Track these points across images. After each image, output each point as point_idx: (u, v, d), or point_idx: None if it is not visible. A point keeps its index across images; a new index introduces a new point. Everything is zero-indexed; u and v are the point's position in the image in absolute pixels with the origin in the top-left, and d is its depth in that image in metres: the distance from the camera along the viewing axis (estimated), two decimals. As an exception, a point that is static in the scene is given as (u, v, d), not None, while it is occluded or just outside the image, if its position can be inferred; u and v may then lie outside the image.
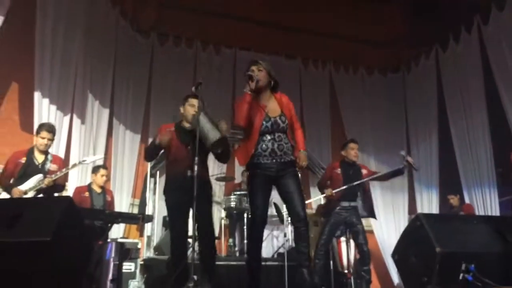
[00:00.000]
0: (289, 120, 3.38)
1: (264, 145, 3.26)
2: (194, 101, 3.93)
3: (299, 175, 3.49)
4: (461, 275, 3.19)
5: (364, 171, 5.26)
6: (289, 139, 3.36)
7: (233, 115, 3.35)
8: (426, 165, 8.18)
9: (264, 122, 3.27)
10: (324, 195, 5.10)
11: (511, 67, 6.57)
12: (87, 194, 5.32)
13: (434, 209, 7.86)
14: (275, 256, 6.63)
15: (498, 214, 6.67)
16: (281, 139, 3.30)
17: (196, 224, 3.63)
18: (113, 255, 4.05)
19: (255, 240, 3.37)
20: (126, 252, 4.87)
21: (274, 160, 3.25)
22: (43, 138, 4.53)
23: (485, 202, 6.89)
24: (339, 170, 5.12)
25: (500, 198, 6.73)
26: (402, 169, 5.01)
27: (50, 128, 4.60)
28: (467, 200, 7.16)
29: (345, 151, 5.28)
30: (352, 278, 5.70)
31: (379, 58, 9.03)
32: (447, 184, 7.64)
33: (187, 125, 3.99)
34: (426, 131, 8.31)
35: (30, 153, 4.54)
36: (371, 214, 5.20)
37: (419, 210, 8.12)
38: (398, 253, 3.60)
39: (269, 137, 3.27)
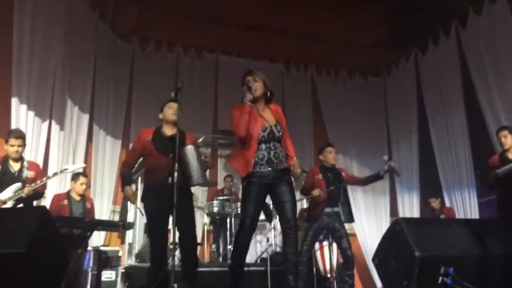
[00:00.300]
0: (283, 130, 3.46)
1: (260, 154, 3.31)
2: (173, 104, 3.88)
3: (293, 183, 3.54)
4: (440, 278, 3.22)
5: (343, 174, 5.28)
6: (283, 147, 3.43)
7: (232, 124, 3.37)
8: (407, 167, 8.28)
9: (261, 132, 3.33)
10: (312, 195, 5.04)
11: (489, 70, 6.68)
12: (65, 202, 5.21)
13: (416, 211, 7.94)
14: (258, 261, 6.61)
15: (477, 215, 6.76)
16: (276, 147, 3.37)
17: (178, 232, 3.59)
18: (91, 264, 3.98)
19: (241, 247, 3.39)
20: (105, 260, 4.79)
21: (270, 168, 3.31)
22: (12, 145, 4.40)
23: (465, 203, 6.98)
24: (320, 176, 5.12)
25: (479, 199, 6.82)
26: (381, 174, 5.01)
27: (17, 134, 4.47)
28: (446, 201, 7.24)
29: (323, 155, 5.28)
30: (335, 282, 5.71)
31: (360, 61, 9.08)
32: (427, 186, 7.73)
33: (167, 131, 3.93)
34: (406, 133, 8.40)
35: (4, 161, 4.43)
36: (351, 218, 5.21)
37: (400, 213, 8.20)
38: (378, 257, 3.62)
39: (264, 146, 3.34)
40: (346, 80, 9.18)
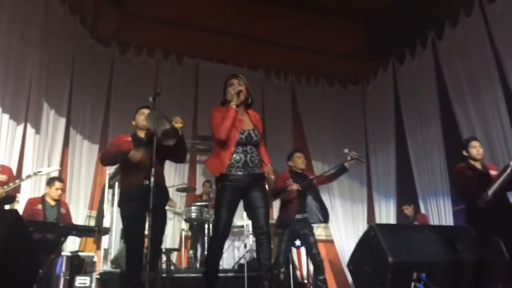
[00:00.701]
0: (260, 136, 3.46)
1: (237, 156, 3.29)
2: (144, 110, 3.93)
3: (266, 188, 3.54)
4: (413, 284, 3.28)
5: (311, 177, 5.28)
6: (258, 153, 3.42)
7: (211, 126, 3.35)
8: (384, 175, 8.40)
9: (240, 134, 3.31)
10: (289, 190, 5.00)
11: (464, 81, 6.85)
12: (39, 206, 5.11)
13: (392, 218, 8.04)
14: (236, 267, 6.59)
15: (452, 222, 6.88)
16: (252, 151, 3.35)
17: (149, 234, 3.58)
18: (64, 269, 3.91)
19: (215, 253, 3.36)
20: (79, 266, 4.71)
21: (246, 172, 3.28)
22: None
23: (440, 211, 7.11)
24: (291, 181, 5.12)
25: (453, 207, 6.95)
26: (345, 165, 5.02)
27: None
28: (422, 209, 7.36)
29: (292, 161, 5.28)
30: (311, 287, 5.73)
31: (339, 70, 9.22)
32: (404, 194, 7.85)
33: (142, 135, 3.94)
34: (384, 142, 8.52)
35: (-24, 165, 4.34)
36: (327, 218, 5.19)
37: (377, 219, 8.30)
38: (353, 263, 3.66)
39: (241, 149, 3.32)
40: (326, 88, 9.29)
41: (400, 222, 7.35)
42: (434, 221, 7.12)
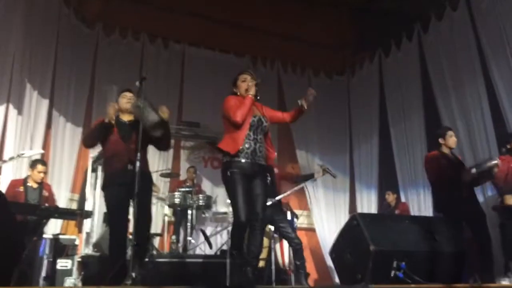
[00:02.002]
0: (275, 118, 3.74)
1: (247, 143, 3.44)
2: (126, 93, 3.93)
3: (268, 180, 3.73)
4: (393, 272, 3.36)
5: (275, 170, 5.32)
6: (266, 144, 3.61)
7: (226, 111, 3.50)
8: (366, 165, 8.50)
9: (252, 117, 3.51)
10: None
11: (447, 74, 6.95)
12: (21, 188, 5.07)
13: (373, 207, 8.16)
14: (218, 253, 6.63)
15: (431, 213, 7.02)
16: (262, 141, 3.54)
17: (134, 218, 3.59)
18: (47, 251, 3.89)
19: (238, 241, 3.43)
20: (61, 248, 4.69)
21: (252, 160, 3.43)
22: None
23: (420, 202, 7.24)
24: None
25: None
26: (315, 176, 5.19)
27: None
28: (403, 199, 7.49)
29: None
30: (292, 274, 5.81)
31: (325, 60, 9.25)
32: (385, 184, 7.97)
33: (124, 118, 3.91)
34: (367, 132, 8.60)
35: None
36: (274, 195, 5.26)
37: (359, 209, 8.42)
38: (335, 252, 3.73)
39: (252, 136, 3.49)
40: (312, 78, 9.30)
41: (382, 211, 7.47)
42: (414, 211, 7.25)
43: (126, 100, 3.89)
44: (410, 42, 7.74)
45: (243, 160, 3.40)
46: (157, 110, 3.68)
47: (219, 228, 7.32)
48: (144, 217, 3.73)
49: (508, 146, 4.86)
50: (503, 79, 6.05)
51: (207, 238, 6.01)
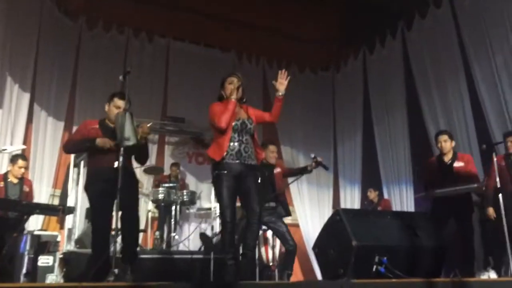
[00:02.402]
0: (261, 119, 3.71)
1: (232, 145, 3.49)
2: (120, 103, 3.80)
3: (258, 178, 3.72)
4: (375, 267, 3.40)
5: (277, 169, 5.32)
6: (254, 144, 3.62)
7: (211, 118, 3.56)
8: (350, 161, 8.57)
9: (235, 121, 3.53)
10: None
11: (430, 72, 7.04)
12: (1, 184, 4.98)
13: (356, 203, 8.24)
14: (202, 249, 6.62)
15: (413, 209, 7.12)
16: (247, 142, 3.56)
17: (121, 217, 3.56)
18: (28, 248, 3.84)
19: (230, 239, 3.44)
20: (43, 245, 4.63)
21: (238, 161, 3.47)
22: None
23: (402, 198, 7.34)
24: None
25: (415, 194, 7.18)
26: (308, 168, 5.12)
27: None
28: (385, 195, 7.58)
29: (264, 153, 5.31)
30: (276, 270, 5.84)
31: (310, 56, 9.26)
32: (368, 180, 8.05)
33: (110, 124, 3.85)
34: (351, 128, 8.67)
35: None
36: (288, 213, 5.31)
37: (342, 204, 8.49)
38: (318, 247, 3.76)
39: (237, 138, 3.52)
40: (297, 74, 9.29)
41: (364, 207, 7.55)
42: (396, 207, 7.35)
43: (116, 112, 3.76)
44: (394, 40, 7.81)
45: (229, 161, 3.45)
46: (135, 129, 3.63)
47: (203, 225, 7.33)
48: (132, 222, 3.72)
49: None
50: (485, 77, 6.16)
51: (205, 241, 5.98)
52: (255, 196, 3.49)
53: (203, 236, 6.15)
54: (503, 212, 4.29)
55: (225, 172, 3.44)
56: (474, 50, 6.34)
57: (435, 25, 7.01)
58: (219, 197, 3.49)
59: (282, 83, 3.60)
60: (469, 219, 4.75)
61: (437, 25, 6.96)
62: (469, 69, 6.38)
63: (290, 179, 5.94)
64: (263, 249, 7.18)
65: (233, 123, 3.51)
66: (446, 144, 4.88)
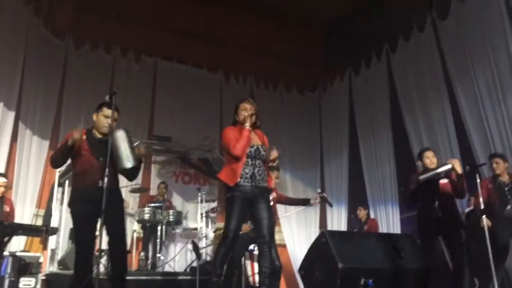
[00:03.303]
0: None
1: (247, 169, 3.60)
2: (108, 112, 3.73)
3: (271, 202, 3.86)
4: (360, 289, 3.40)
5: (273, 195, 5.33)
6: (265, 168, 3.72)
7: (225, 144, 3.67)
8: (336, 182, 8.60)
9: (250, 148, 3.62)
10: None
11: (414, 93, 7.17)
12: (-20, 204, 4.89)
13: (343, 223, 8.25)
14: (188, 270, 6.55)
15: (399, 229, 7.15)
16: (260, 165, 3.67)
17: (108, 238, 3.51)
18: (9, 270, 3.75)
19: (221, 259, 3.55)
20: (25, 267, 4.53)
21: (253, 183, 3.58)
22: None
23: (388, 218, 7.37)
24: None
25: (401, 215, 7.22)
26: (311, 202, 5.17)
27: None
28: (372, 215, 7.60)
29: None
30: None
31: (297, 77, 9.37)
32: (355, 201, 8.07)
33: (98, 134, 3.80)
34: (338, 148, 8.73)
35: None
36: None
37: (329, 225, 8.49)
38: (304, 268, 3.74)
39: (250, 162, 3.62)
40: (284, 94, 9.38)
41: (351, 227, 7.56)
42: (382, 227, 7.37)
43: (105, 121, 3.69)
44: (379, 61, 7.95)
45: (244, 184, 3.56)
46: (133, 149, 3.60)
47: (189, 245, 7.24)
48: (120, 249, 3.67)
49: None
50: (467, 98, 6.29)
51: (197, 250, 5.93)
52: (266, 223, 3.56)
53: (194, 245, 6.10)
54: (487, 233, 4.31)
55: (238, 194, 3.55)
56: (457, 72, 6.48)
57: (418, 47, 7.16)
58: (228, 216, 3.57)
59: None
60: (458, 236, 4.73)
61: (421, 47, 7.12)
62: (452, 90, 6.51)
63: (287, 209, 5.96)
64: (249, 269, 7.12)
65: (247, 150, 3.61)
66: (434, 160, 4.93)
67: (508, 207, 4.78)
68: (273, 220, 5.27)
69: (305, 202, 5.31)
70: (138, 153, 3.70)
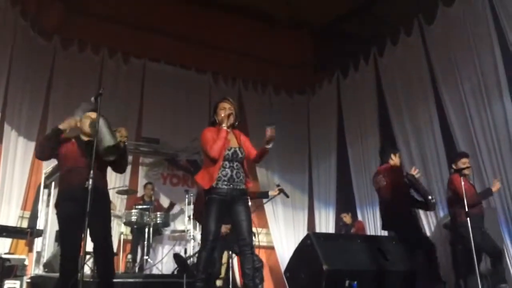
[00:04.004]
0: (246, 153, 3.69)
1: (224, 171, 3.55)
2: (92, 114, 3.76)
3: (249, 203, 3.80)
4: (345, 291, 3.42)
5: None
6: (244, 170, 3.66)
7: (203, 145, 3.62)
8: (325, 184, 8.63)
9: (227, 150, 3.57)
10: None
11: (401, 97, 7.24)
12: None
13: (331, 225, 8.28)
14: (175, 272, 6.52)
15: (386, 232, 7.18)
16: (238, 167, 3.61)
17: (92, 241, 3.49)
18: (-9, 273, 3.71)
19: (204, 263, 3.49)
20: (9, 269, 4.49)
21: (231, 186, 3.55)
22: None
23: (375, 220, 7.40)
24: None
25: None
26: (269, 193, 5.38)
27: None
28: (359, 217, 7.64)
29: None
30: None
31: (286, 79, 9.39)
32: (343, 203, 8.11)
33: (84, 138, 3.80)
34: (326, 151, 8.76)
35: None
36: None
37: (317, 227, 8.51)
38: (290, 270, 3.76)
39: (228, 165, 3.58)
40: (272, 96, 9.40)
41: (339, 229, 7.59)
42: (370, 229, 7.42)
43: (90, 122, 3.72)
44: (367, 65, 8.00)
45: (221, 187, 3.52)
46: (113, 132, 3.60)
47: (176, 247, 7.23)
48: (106, 254, 3.65)
49: (454, 167, 5.02)
50: (453, 102, 6.37)
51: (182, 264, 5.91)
52: (247, 225, 3.53)
53: (176, 257, 6.07)
54: (471, 235, 4.35)
55: (216, 197, 3.52)
56: (443, 76, 6.56)
57: (406, 51, 7.23)
58: (206, 218, 3.53)
59: (273, 138, 3.58)
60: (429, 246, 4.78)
61: (408, 51, 7.18)
62: (438, 93, 6.59)
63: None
64: (237, 272, 7.11)
65: (224, 153, 3.56)
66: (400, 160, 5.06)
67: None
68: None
69: (265, 195, 5.40)
70: (120, 135, 3.65)
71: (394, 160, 5.03)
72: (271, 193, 5.32)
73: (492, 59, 5.79)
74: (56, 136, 3.68)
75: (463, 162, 4.92)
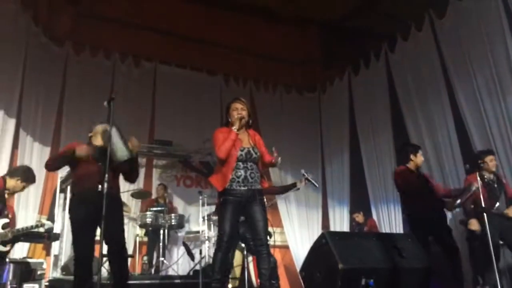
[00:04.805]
0: (260, 153, 3.71)
1: (238, 172, 3.56)
2: (105, 126, 3.82)
3: (265, 202, 3.81)
4: (361, 289, 3.40)
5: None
6: (258, 169, 3.67)
7: (213, 145, 3.65)
8: (338, 182, 8.58)
9: (240, 151, 3.57)
10: None
11: (414, 92, 7.15)
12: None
13: (345, 224, 8.23)
14: (191, 273, 6.55)
15: (401, 229, 7.13)
16: (252, 168, 3.62)
17: (107, 243, 3.53)
18: (10, 277, 3.77)
19: (220, 264, 3.51)
20: (28, 273, 4.55)
21: (246, 187, 3.54)
22: None
23: (390, 218, 7.35)
24: None
25: (403, 214, 7.20)
26: (297, 184, 5.09)
27: None
28: (374, 215, 7.59)
29: None
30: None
31: (297, 78, 9.39)
32: (357, 201, 8.06)
33: (97, 143, 3.85)
34: (339, 148, 8.72)
35: None
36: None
37: (331, 225, 8.47)
38: (305, 269, 3.75)
39: (242, 165, 3.58)
40: (283, 95, 9.39)
41: (353, 228, 7.55)
42: (385, 227, 7.36)
43: (101, 137, 3.83)
44: (377, 61, 7.93)
45: (236, 188, 3.53)
46: (126, 143, 3.65)
47: (192, 247, 7.26)
48: (121, 258, 3.71)
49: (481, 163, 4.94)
50: (467, 96, 6.27)
51: (189, 251, 5.97)
52: (263, 226, 3.54)
53: (184, 245, 6.13)
54: (488, 231, 4.30)
55: (231, 198, 3.52)
56: (456, 70, 6.46)
57: (417, 47, 7.14)
58: (222, 220, 3.55)
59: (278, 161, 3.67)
60: (450, 237, 4.75)
61: (419, 47, 7.09)
62: (452, 88, 6.49)
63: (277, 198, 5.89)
64: (252, 272, 7.13)
65: (237, 154, 3.56)
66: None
67: (497, 204, 4.77)
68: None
69: (292, 187, 5.28)
70: (132, 146, 3.71)
71: (415, 160, 4.97)
72: (298, 184, 5.09)
73: (505, 50, 5.69)
74: (68, 158, 3.75)
75: (490, 159, 4.88)
